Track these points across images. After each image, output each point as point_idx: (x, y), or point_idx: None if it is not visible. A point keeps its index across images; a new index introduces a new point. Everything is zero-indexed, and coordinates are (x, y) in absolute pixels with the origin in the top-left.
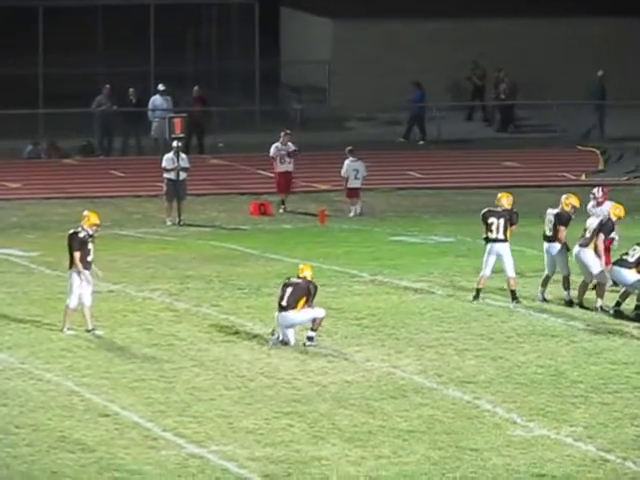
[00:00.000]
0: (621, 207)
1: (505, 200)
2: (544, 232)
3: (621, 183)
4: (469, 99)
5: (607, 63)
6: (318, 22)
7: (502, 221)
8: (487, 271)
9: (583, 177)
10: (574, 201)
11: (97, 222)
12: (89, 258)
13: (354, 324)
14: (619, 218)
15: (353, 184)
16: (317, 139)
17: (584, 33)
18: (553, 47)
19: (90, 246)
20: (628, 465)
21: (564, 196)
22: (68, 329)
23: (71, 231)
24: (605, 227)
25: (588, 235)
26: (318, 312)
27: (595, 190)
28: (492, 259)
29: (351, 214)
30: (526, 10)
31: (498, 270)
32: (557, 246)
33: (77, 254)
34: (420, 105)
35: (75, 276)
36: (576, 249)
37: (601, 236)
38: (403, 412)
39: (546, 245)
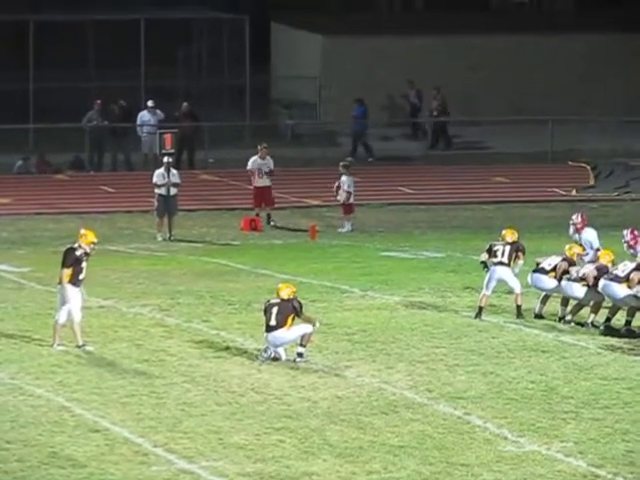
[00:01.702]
0: (610, 252)
1: (510, 236)
2: (540, 266)
3: (611, 199)
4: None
5: (548, 80)
6: (308, 38)
7: (508, 248)
8: (488, 291)
9: (574, 192)
10: (579, 250)
11: (94, 240)
12: (81, 276)
13: (345, 340)
14: (612, 262)
15: (352, 199)
16: (308, 154)
17: (519, 50)
18: (490, 64)
19: (84, 264)
20: None
21: (567, 247)
22: (58, 345)
23: (68, 247)
24: (601, 273)
25: (579, 275)
26: (306, 328)
27: (574, 217)
28: (493, 284)
29: (345, 229)
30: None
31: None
32: (544, 279)
33: (68, 270)
34: (361, 121)
35: (63, 291)
36: (564, 282)
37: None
38: (394, 428)
39: (535, 275)
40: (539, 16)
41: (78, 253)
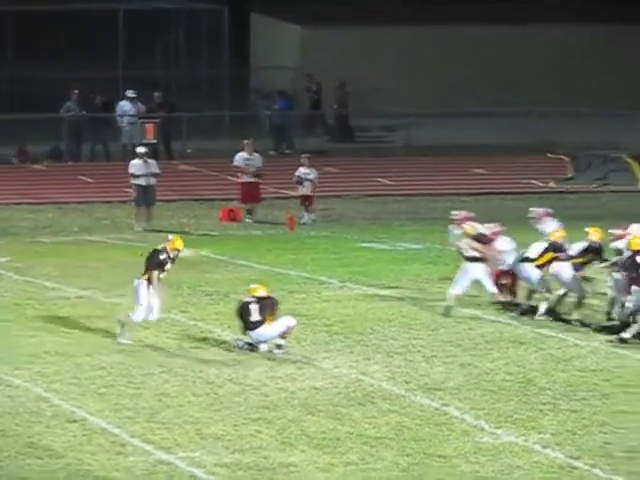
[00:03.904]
0: (599, 230)
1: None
2: (526, 255)
3: (590, 190)
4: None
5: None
6: (287, 28)
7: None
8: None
9: (552, 184)
10: (563, 233)
11: (180, 248)
12: (161, 275)
13: (323, 331)
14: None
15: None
16: (296, 145)
17: (501, 41)
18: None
19: (167, 267)
20: (596, 472)
21: (551, 230)
22: (125, 339)
23: (154, 248)
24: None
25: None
26: (289, 321)
27: (532, 209)
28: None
29: (311, 220)
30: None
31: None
32: (528, 268)
33: (155, 272)
34: (282, 114)
35: (143, 288)
36: (554, 265)
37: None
38: (371, 419)
39: (519, 265)
40: (525, 8)
41: (162, 257)
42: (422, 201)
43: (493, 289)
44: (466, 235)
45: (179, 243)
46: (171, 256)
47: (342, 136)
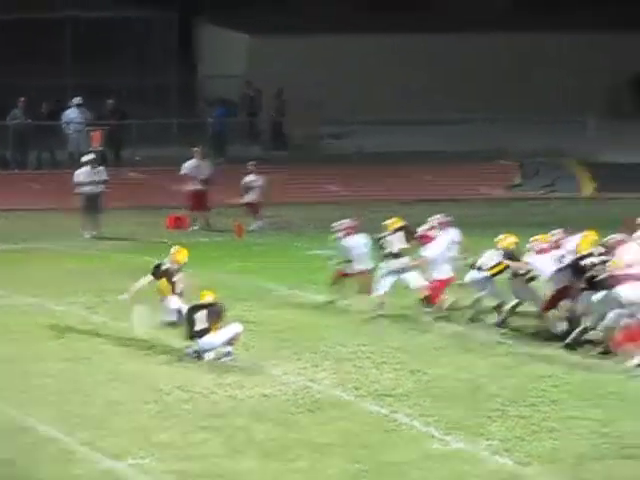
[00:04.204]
0: (513, 236)
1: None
2: (480, 264)
3: (538, 197)
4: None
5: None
6: (235, 37)
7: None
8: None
9: (501, 191)
10: (514, 238)
11: (180, 260)
12: (179, 289)
13: (271, 338)
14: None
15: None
16: (234, 153)
17: (451, 49)
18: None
19: (175, 278)
20: (545, 478)
21: (501, 236)
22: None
23: (158, 263)
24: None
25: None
26: (236, 328)
27: (431, 218)
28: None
29: (259, 226)
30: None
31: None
32: (477, 276)
33: (164, 283)
34: (221, 122)
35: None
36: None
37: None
38: (320, 426)
39: (472, 274)
40: (476, 15)
41: (165, 267)
42: (370, 208)
43: (418, 283)
44: (390, 229)
45: (182, 256)
46: (165, 267)
47: (275, 144)
